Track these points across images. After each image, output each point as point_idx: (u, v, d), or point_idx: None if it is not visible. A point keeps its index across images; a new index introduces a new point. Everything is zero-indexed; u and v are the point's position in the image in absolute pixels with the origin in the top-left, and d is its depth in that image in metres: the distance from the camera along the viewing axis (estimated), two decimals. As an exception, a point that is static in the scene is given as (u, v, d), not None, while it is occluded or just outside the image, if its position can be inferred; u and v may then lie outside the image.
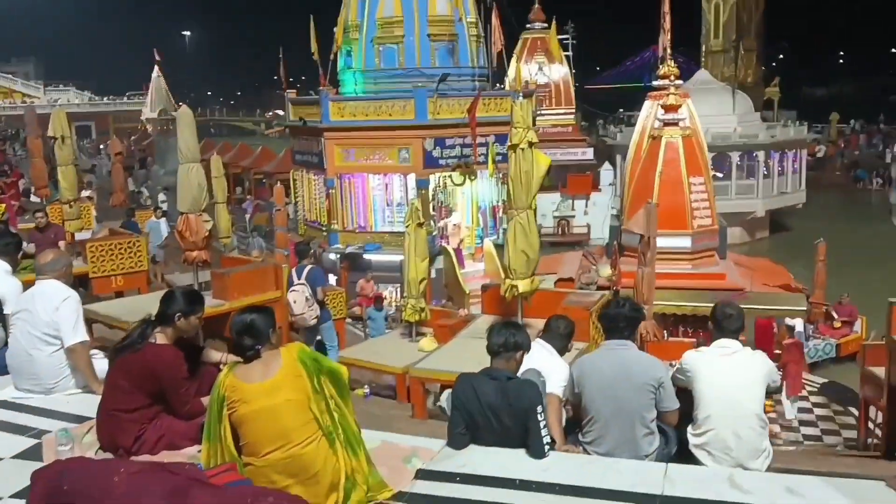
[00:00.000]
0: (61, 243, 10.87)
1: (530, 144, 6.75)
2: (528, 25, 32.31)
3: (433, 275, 20.77)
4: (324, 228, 20.92)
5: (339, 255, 20.79)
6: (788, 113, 43.13)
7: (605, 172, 31.46)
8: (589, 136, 36.06)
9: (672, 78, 14.31)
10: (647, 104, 15.00)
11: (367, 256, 20.55)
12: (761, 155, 29.58)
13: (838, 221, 31.43)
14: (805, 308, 12.15)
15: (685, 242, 12.95)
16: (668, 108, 13.35)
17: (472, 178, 20.10)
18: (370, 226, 20.71)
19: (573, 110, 32.17)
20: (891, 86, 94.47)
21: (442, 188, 20.16)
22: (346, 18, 20.73)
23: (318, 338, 9.34)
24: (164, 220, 18.80)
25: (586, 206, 31.22)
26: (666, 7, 14.37)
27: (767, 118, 35.86)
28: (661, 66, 14.79)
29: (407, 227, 11.20)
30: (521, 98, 6.73)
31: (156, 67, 67.23)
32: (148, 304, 9.12)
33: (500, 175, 20.66)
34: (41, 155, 14.98)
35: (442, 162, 19.76)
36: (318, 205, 21.20)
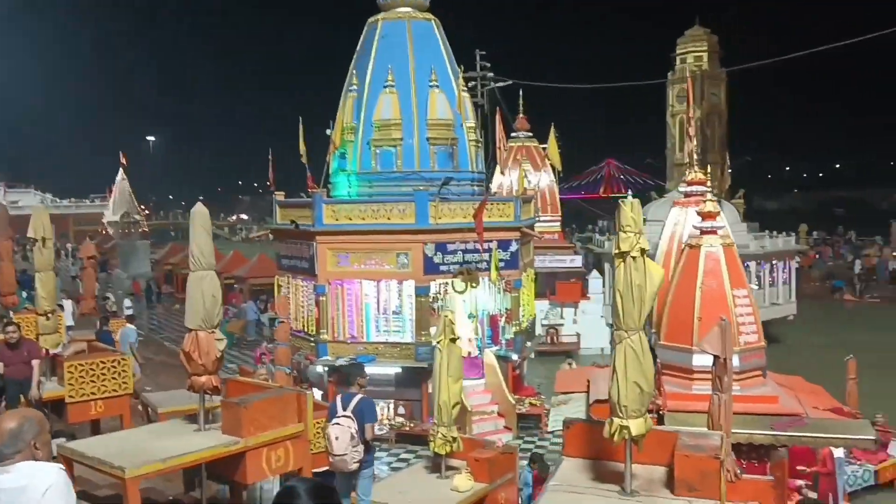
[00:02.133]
0: (35, 362, 9.26)
1: (642, 252, 5.59)
2: (512, 134, 32.11)
3: (430, 389, 19.36)
4: (311, 339, 19.36)
5: (326, 368, 19.18)
6: (752, 225, 43.33)
7: (594, 280, 30.60)
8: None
9: (701, 185, 13.53)
10: (674, 211, 14.09)
11: (358, 369, 18.96)
12: (753, 266, 29.04)
13: (828, 332, 30.79)
14: (874, 437, 10.95)
15: (733, 361, 11.74)
16: (705, 216, 12.40)
17: (475, 285, 18.90)
18: (362, 336, 19.24)
19: (559, 217, 31.57)
20: (834, 199, 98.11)
21: (442, 296, 18.89)
22: (341, 120, 19.88)
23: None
24: (133, 327, 17.07)
25: (575, 314, 30.16)
26: (690, 112, 13.65)
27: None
28: (689, 172, 14.00)
29: (438, 342, 9.83)
30: (629, 198, 5.56)
31: (121, 170, 66.21)
32: (138, 442, 7.56)
33: (503, 282, 19.60)
34: (10, 258, 13.41)
35: (443, 268, 18.58)
36: (306, 313, 19.71)
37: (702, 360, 12.12)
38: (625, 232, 5.61)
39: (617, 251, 5.67)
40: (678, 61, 54.14)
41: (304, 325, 19.93)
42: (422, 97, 19.83)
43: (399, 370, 18.97)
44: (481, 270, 18.98)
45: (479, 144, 20.96)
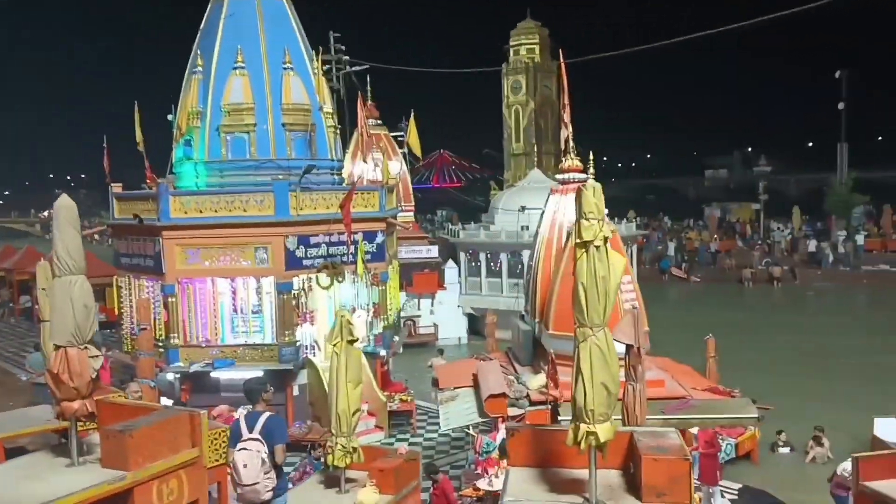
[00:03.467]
0: None
1: (605, 241, 5.11)
2: (367, 121, 31.25)
3: (296, 392, 18.28)
4: (160, 344, 17.66)
5: (178, 376, 17.58)
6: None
7: (450, 270, 30.50)
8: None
9: (578, 172, 13.43)
10: (553, 199, 13.92)
11: (215, 375, 17.54)
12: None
13: (667, 312, 32.50)
14: (757, 415, 11.28)
15: (620, 348, 11.69)
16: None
17: (341, 279, 18.01)
18: (217, 338, 17.79)
19: (412, 207, 31.14)
20: (646, 187, 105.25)
21: (308, 291, 17.83)
22: (186, 104, 18.22)
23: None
24: None
25: (432, 305, 29.92)
26: (566, 99, 13.59)
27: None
28: (564, 160, 13.86)
29: (334, 344, 8.98)
30: (589, 181, 5.06)
31: None
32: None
33: (370, 275, 18.83)
34: None
35: (306, 262, 17.53)
36: (155, 316, 17.95)
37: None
38: (587, 219, 5.10)
39: (578, 241, 5.15)
40: (512, 53, 55.49)
41: (155, 331, 18.15)
42: (275, 80, 18.58)
43: (261, 374, 17.69)
44: (346, 264, 18.13)
45: (338, 131, 20.00)
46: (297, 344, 17.71)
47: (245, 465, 6.15)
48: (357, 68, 23.99)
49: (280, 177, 17.52)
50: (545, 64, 54.74)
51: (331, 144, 19.53)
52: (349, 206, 16.68)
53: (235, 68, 18.29)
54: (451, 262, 30.94)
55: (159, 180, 17.89)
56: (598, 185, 5.25)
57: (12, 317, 36.50)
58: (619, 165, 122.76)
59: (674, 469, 5.21)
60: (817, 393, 21.03)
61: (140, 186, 19.92)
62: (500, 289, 29.23)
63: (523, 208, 27.68)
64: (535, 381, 11.83)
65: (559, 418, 11.17)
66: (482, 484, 11.83)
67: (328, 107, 19.56)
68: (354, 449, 8.72)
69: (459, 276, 30.56)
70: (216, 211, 17.05)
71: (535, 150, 54.42)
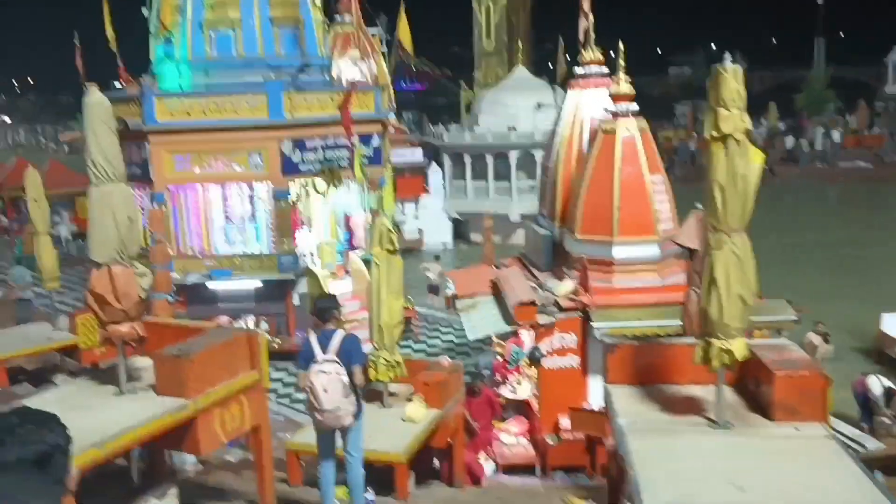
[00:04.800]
0: None
1: (747, 134, 4.49)
2: (337, 17, 29.60)
3: (296, 301, 17.73)
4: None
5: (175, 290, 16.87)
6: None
7: (434, 174, 29.69)
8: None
9: (600, 65, 12.65)
10: (571, 94, 13.13)
11: (211, 286, 16.88)
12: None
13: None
14: (796, 317, 11.01)
15: (653, 251, 11.29)
16: (619, 98, 11.56)
17: (338, 184, 17.24)
18: (210, 249, 17.04)
19: (394, 109, 29.96)
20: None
21: (305, 198, 17.06)
22: (163, -3, 16.81)
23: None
24: None
25: (416, 210, 29.24)
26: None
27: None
28: (584, 52, 13.03)
29: (374, 254, 8.41)
30: (728, 62, 4.39)
31: None
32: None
33: (367, 180, 18.03)
34: None
35: (303, 167, 16.68)
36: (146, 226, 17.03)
37: (623, 253, 11.63)
38: (726, 108, 4.45)
39: (715, 133, 4.53)
40: (482, -57, 52.93)
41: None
42: (261, -31, 17.20)
43: (259, 284, 17.11)
44: (343, 168, 17.31)
45: (327, 26, 18.75)
46: (296, 253, 17.06)
47: (325, 390, 5.60)
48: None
49: (272, 76, 16.41)
50: (518, -43, 52.49)
51: (320, 40, 18.33)
52: (348, 107, 15.74)
53: (218, -44, 16.84)
54: (434, 166, 30.10)
55: (139, 80, 16.64)
56: (740, 69, 4.57)
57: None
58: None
59: (809, 385, 4.80)
60: (812, 289, 21.15)
61: (111, 88, 18.64)
62: (486, 192, 28.59)
63: (539, 105, 26.68)
64: (563, 288, 11.39)
65: (592, 325, 10.82)
66: (505, 392, 11.55)
67: (316, -1, 18.26)
68: (398, 363, 8.31)
69: (443, 179, 29.79)
70: (205, 114, 16.00)
71: (507, 47, 52.77)
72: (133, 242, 5.71)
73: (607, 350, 5.68)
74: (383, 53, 28.65)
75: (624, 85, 11.55)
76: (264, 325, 17.40)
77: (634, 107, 11.71)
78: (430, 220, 29.18)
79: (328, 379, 5.64)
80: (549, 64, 61.42)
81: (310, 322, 17.24)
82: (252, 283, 17.04)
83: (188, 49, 17.16)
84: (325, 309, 6.14)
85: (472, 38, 56.25)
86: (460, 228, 29.62)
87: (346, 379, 5.71)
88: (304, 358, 5.89)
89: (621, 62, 11.69)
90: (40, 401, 5.96)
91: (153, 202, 16.45)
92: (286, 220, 16.77)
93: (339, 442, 6.19)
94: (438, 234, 28.99)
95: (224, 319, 15.45)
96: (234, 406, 5.99)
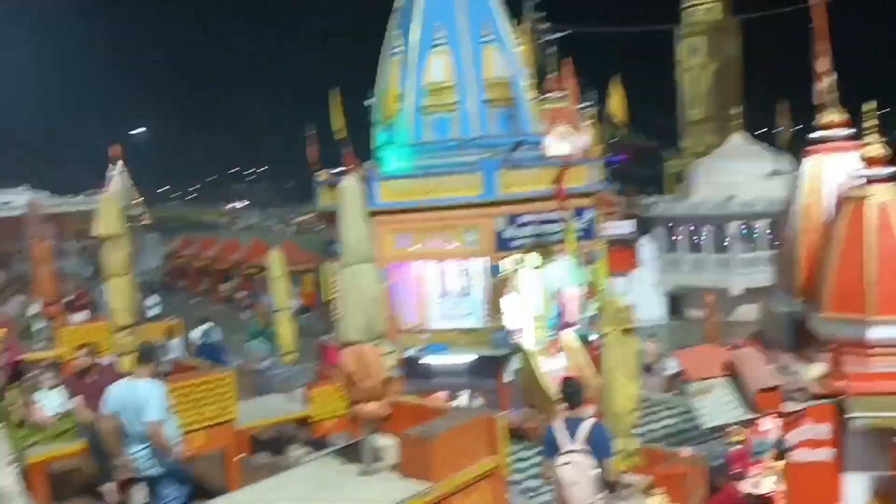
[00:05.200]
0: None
1: None
2: (544, 96, 30.15)
3: (508, 378, 17.61)
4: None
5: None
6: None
7: (645, 247, 28.81)
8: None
9: (846, 127, 11.65)
10: (810, 159, 12.19)
11: (426, 360, 17.17)
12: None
13: None
14: None
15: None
16: (872, 161, 10.55)
17: (550, 259, 17.07)
18: (425, 322, 17.42)
19: (606, 182, 29.67)
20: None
21: (517, 273, 17.03)
22: (393, 87, 17.85)
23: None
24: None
25: (627, 284, 28.35)
26: (821, 45, 11.74)
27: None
28: (820, 115, 12.10)
29: (606, 334, 8.05)
30: None
31: (119, 163, 63.56)
32: (295, 497, 5.74)
33: (582, 254, 17.76)
34: (49, 262, 11.51)
35: (516, 243, 16.73)
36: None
37: (881, 334, 10.39)
38: None
39: None
40: (686, 13, 52.03)
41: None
42: (476, 55, 17.86)
43: (473, 358, 17.19)
44: (555, 243, 17.17)
45: (539, 103, 19.03)
46: (508, 329, 16.99)
47: (574, 483, 5.28)
48: (557, 35, 22.87)
49: (488, 155, 16.80)
50: (725, 22, 50.94)
51: (532, 118, 18.59)
52: (563, 181, 15.68)
53: (435, 45, 17.73)
54: (645, 239, 29.24)
55: (364, 164, 17.69)
56: None
57: (215, 304, 38.54)
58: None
59: None
60: None
61: (339, 173, 19.89)
62: (702, 265, 27.22)
63: (776, 172, 25.37)
64: (813, 372, 10.28)
65: (849, 416, 9.63)
66: (746, 486, 10.50)
67: (529, 79, 18.61)
68: (637, 450, 7.81)
69: (656, 252, 28.82)
70: (424, 194, 16.61)
71: (718, 115, 50.85)
72: (380, 321, 5.81)
73: None
74: (592, 126, 28.71)
75: (877, 147, 10.49)
76: (478, 401, 17.40)
77: (890, 170, 10.57)
78: (641, 295, 28.19)
79: (576, 471, 5.32)
80: (767, 128, 58.52)
81: (521, 400, 17.10)
82: (466, 358, 17.14)
83: (408, 133, 18.04)
84: (574, 393, 5.86)
85: (676, 106, 54.98)
86: (674, 303, 28.34)
87: (595, 472, 5.35)
88: (549, 446, 5.61)
89: (873, 122, 10.65)
90: (293, 478, 6.15)
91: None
92: (499, 296, 16.79)
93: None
94: (651, 309, 27.90)
95: (443, 395, 15.62)
96: (475, 493, 5.81)
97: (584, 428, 5.53)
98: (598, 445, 5.47)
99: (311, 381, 14.75)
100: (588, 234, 17.64)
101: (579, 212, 17.53)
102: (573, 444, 5.45)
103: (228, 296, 36.67)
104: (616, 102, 18.86)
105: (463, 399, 16.79)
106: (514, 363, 17.27)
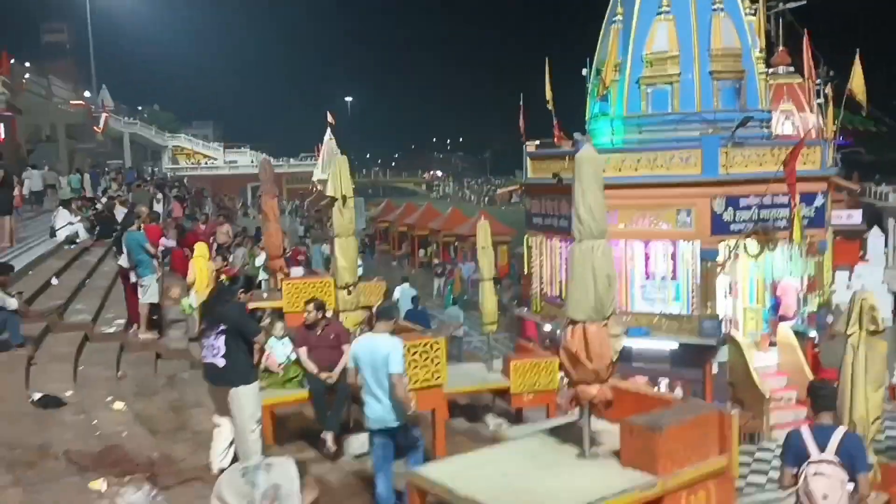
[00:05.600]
0: (346, 348, 7.63)
1: None
2: (769, 70, 27.90)
3: (715, 370, 16.64)
4: (571, 307, 17.15)
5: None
6: None
7: (875, 239, 26.10)
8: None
9: None
10: None
11: (627, 343, 16.57)
12: None
13: None
14: None
15: None
16: None
17: (772, 247, 15.83)
18: (625, 305, 16.78)
19: (839, 166, 27.14)
20: None
21: (733, 260, 15.99)
22: (612, 55, 17.21)
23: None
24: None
25: (849, 279, 25.87)
26: None
27: None
28: None
29: (850, 335, 7.20)
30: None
31: (328, 130, 67.32)
32: (511, 476, 5.60)
33: (806, 243, 16.34)
34: (276, 218, 12.18)
35: (734, 227, 15.66)
36: (567, 277, 17.45)
37: None
38: None
39: None
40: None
41: (560, 291, 17.77)
42: (703, 23, 16.75)
43: (675, 346, 16.38)
44: (779, 230, 15.88)
45: (769, 78, 17.59)
46: (719, 318, 16.01)
47: (825, 496, 4.72)
48: (793, 4, 21.02)
49: (708, 131, 15.78)
50: None
51: (761, 94, 17.23)
52: (794, 163, 14.39)
53: (659, 13, 16.83)
54: (875, 231, 26.47)
55: (576, 137, 17.25)
56: None
57: (412, 268, 39.82)
58: None
59: None
60: None
61: (548, 145, 19.59)
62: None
63: None
64: None
65: None
66: None
67: (759, 51, 17.24)
68: (873, 466, 6.96)
69: (886, 246, 26.03)
70: (636, 170, 15.92)
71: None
72: (609, 301, 5.47)
73: None
74: (819, 105, 26.30)
75: None
76: (678, 391, 16.62)
77: None
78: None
79: (829, 484, 4.74)
80: None
81: (726, 394, 16.09)
82: (668, 345, 16.37)
83: (624, 105, 17.35)
84: (826, 396, 5.24)
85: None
86: (901, 304, 25.52)
87: (849, 487, 4.75)
88: (793, 453, 5.05)
89: None
90: (508, 452, 6.01)
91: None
92: (711, 282, 15.84)
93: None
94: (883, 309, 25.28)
95: (642, 380, 15.05)
96: (702, 492, 5.38)
97: (836, 437, 4.92)
98: (855, 458, 4.85)
99: (510, 352, 14.75)
100: (815, 222, 16.14)
101: (807, 197, 16.06)
102: (824, 455, 4.86)
103: (426, 261, 37.73)
104: (857, 81, 17.00)
105: (662, 387, 16.10)
106: (722, 355, 16.31)
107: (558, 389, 12.09)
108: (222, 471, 6.53)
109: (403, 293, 18.90)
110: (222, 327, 6.13)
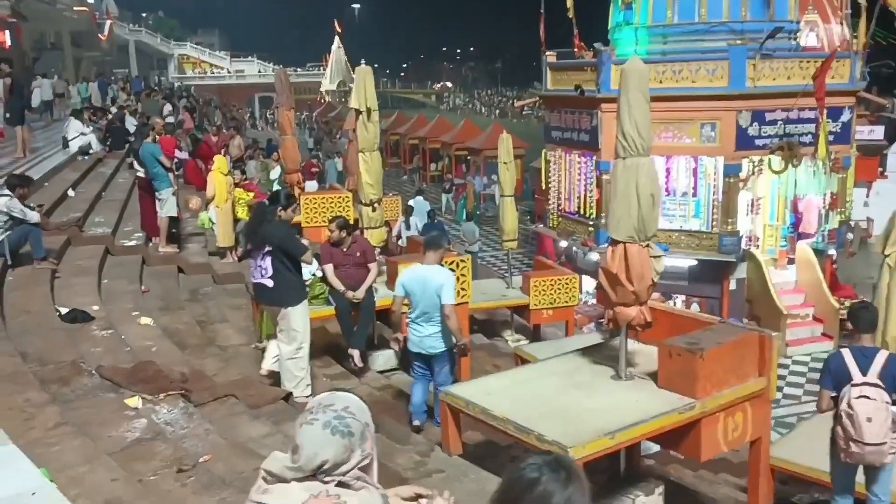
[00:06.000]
0: (372, 266, 7.54)
1: None
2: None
3: (733, 286, 16.61)
4: (590, 222, 17.02)
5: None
6: None
7: (894, 156, 25.60)
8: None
9: None
10: None
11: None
12: None
13: None
14: None
15: None
16: None
17: (796, 163, 15.51)
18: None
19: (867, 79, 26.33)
20: None
21: (756, 176, 15.70)
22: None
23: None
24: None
25: (867, 195, 25.50)
26: None
27: None
28: None
29: (887, 255, 7.04)
30: None
31: (336, 39, 65.64)
32: (547, 395, 5.55)
33: (831, 160, 16.00)
34: (293, 131, 11.91)
35: (759, 142, 15.31)
36: (583, 192, 17.27)
37: None
38: None
39: None
40: None
41: (579, 207, 17.58)
42: (734, -72, 15.94)
43: (693, 262, 16.28)
44: (804, 145, 15.52)
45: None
46: (739, 234, 15.86)
47: (869, 419, 4.65)
48: None
49: (738, 42, 15.22)
50: None
51: (791, 4, 16.55)
52: (825, 76, 13.93)
53: (687, -84, 16.01)
54: (894, 146, 25.93)
55: (598, 47, 16.68)
56: None
57: (423, 183, 39.44)
58: None
59: None
60: None
61: (567, 56, 19.00)
62: (965, 181, 23.86)
63: None
64: None
65: None
66: None
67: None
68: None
69: (908, 163, 25.55)
70: (661, 81, 15.44)
71: None
72: (653, 222, 5.33)
73: None
74: (847, 16, 25.32)
75: None
76: (695, 308, 16.62)
77: None
78: (883, 209, 25.27)
79: (874, 407, 4.67)
80: None
81: (744, 311, 16.09)
82: (686, 262, 16.27)
83: (649, 14, 16.72)
84: (868, 318, 5.11)
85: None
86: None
87: (893, 409, 4.69)
88: (834, 376, 4.96)
89: None
90: (542, 371, 5.97)
91: (598, 171, 16.52)
92: (733, 199, 15.61)
93: (858, 477, 5.19)
94: None
95: (656, 296, 15.01)
96: (739, 414, 5.36)
97: (879, 360, 4.82)
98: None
99: (528, 269, 14.70)
100: (841, 137, 15.77)
101: (834, 112, 15.63)
102: (867, 377, 4.77)
103: (437, 175, 37.31)
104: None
105: (678, 304, 16.08)
106: (741, 272, 16.23)
107: (577, 306, 12.12)
108: (270, 372, 6.62)
109: (418, 206, 18.76)
110: (268, 248, 6.08)
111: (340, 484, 1.83)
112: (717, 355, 5.19)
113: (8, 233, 7.62)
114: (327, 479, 1.82)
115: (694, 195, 16.39)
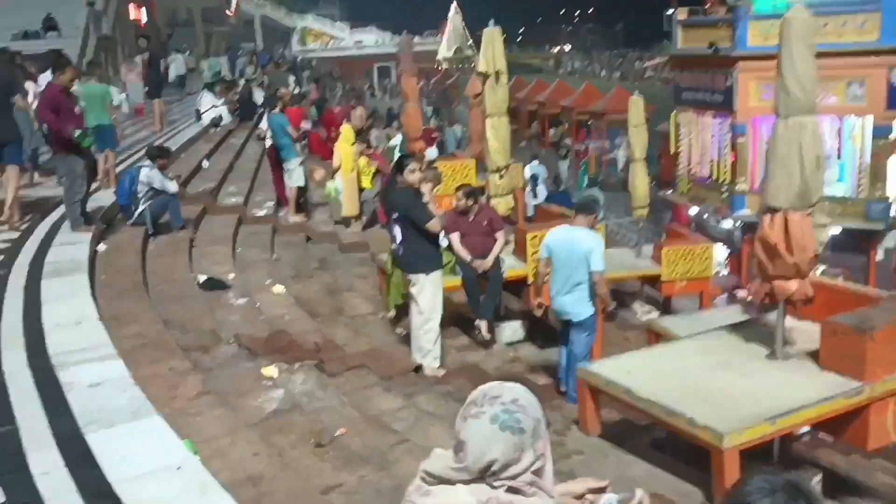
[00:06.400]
0: (499, 234, 7.32)
1: None
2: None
3: (880, 256, 15.43)
4: (723, 188, 16.14)
5: (741, 225, 15.96)
6: None
7: None
8: None
9: None
10: None
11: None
12: None
13: None
14: None
15: None
16: None
17: (955, 123, 14.11)
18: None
19: None
20: None
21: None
22: None
23: None
24: None
25: None
26: None
27: None
28: None
29: None
30: None
31: (454, 4, 65.10)
32: (691, 374, 5.20)
33: None
34: (416, 99, 11.80)
35: (913, 101, 14.01)
36: (717, 156, 16.36)
37: None
38: None
39: None
40: None
41: (712, 171, 16.67)
42: None
43: (837, 231, 15.14)
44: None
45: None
46: (889, 200, 14.63)
47: None
48: None
49: (890, -8, 13.91)
50: None
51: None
52: None
53: None
54: None
55: (733, 1, 15.64)
56: None
57: (542, 149, 38.66)
58: None
59: None
60: None
61: (698, 13, 17.95)
62: None
63: None
64: None
65: None
66: None
67: None
68: None
69: None
70: (803, 37, 14.28)
71: None
72: (817, 187, 4.87)
73: None
74: None
75: None
76: (840, 280, 15.51)
77: None
78: None
79: None
80: None
81: (893, 282, 14.90)
82: (831, 230, 15.14)
83: (790, -35, 15.49)
84: None
85: None
86: None
87: None
88: None
89: None
90: (686, 350, 5.60)
91: (734, 133, 15.61)
92: (883, 162, 14.40)
93: None
94: None
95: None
96: (909, 401, 4.84)
97: None
98: None
99: (660, 238, 14.10)
100: None
101: None
102: None
103: (556, 141, 36.55)
104: None
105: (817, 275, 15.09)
106: (890, 240, 15.02)
107: (713, 277, 11.52)
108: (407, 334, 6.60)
109: (534, 171, 18.46)
110: (395, 215, 6.04)
111: (511, 489, 1.62)
112: (889, 335, 4.69)
113: (149, 202, 7.90)
114: (496, 483, 1.61)
115: (838, 158, 15.23)
